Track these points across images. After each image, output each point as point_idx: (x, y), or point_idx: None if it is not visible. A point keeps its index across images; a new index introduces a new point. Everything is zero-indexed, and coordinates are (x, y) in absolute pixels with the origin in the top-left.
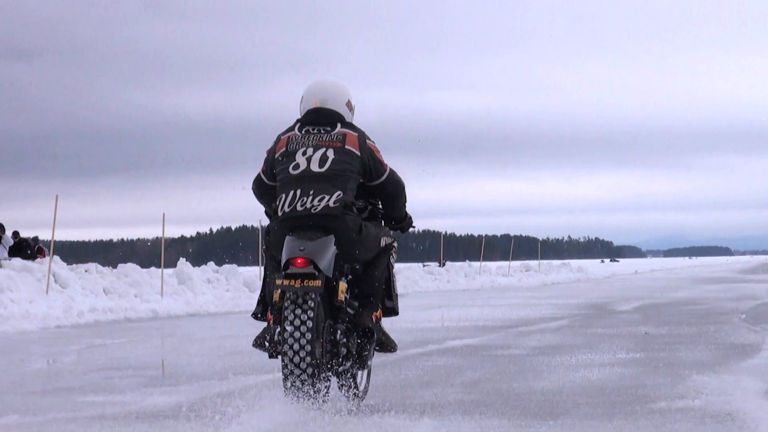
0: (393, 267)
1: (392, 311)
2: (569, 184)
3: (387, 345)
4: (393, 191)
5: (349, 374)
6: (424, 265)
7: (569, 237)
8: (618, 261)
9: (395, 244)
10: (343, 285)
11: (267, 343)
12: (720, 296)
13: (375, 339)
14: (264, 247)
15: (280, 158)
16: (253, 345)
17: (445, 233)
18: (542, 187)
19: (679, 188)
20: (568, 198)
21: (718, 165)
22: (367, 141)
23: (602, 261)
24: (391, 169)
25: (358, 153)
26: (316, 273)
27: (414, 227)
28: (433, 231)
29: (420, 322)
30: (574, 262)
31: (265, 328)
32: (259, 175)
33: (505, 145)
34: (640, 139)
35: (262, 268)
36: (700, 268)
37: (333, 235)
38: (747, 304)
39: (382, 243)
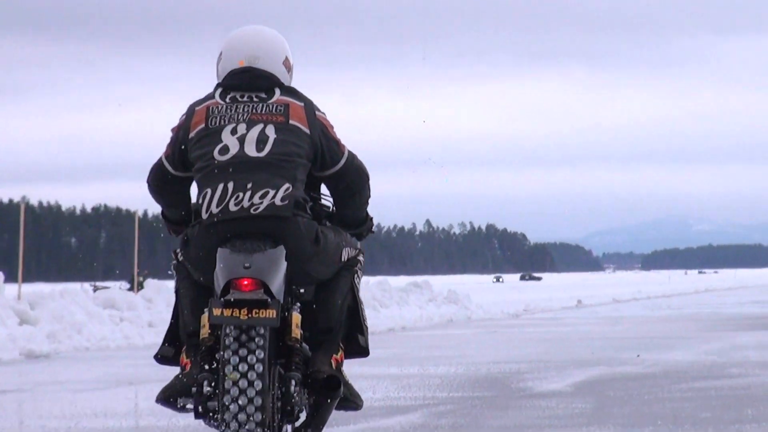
0: (359, 290)
1: (362, 351)
2: None
3: (350, 400)
4: (353, 183)
5: None
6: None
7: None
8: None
9: (361, 258)
10: (297, 316)
11: (182, 398)
12: None
13: (340, 393)
14: (175, 262)
15: (198, 139)
16: (158, 400)
17: None
18: None
19: None
20: None
21: None
22: (317, 113)
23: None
24: (350, 152)
25: (307, 130)
26: (269, 299)
27: (373, 232)
28: None
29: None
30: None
31: (177, 377)
32: (159, 162)
33: None
34: None
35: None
36: None
37: (281, 247)
38: None
39: (344, 256)
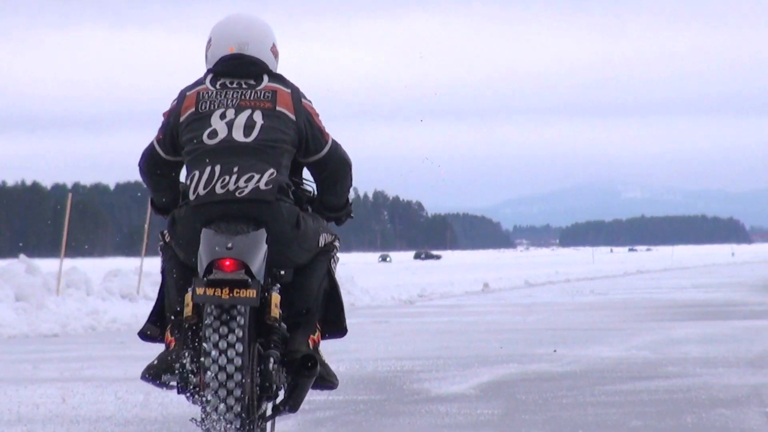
0: (334, 273)
1: (339, 331)
2: None
3: (327, 379)
4: (336, 170)
5: (273, 416)
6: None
7: None
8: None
9: (337, 244)
10: (276, 297)
11: (165, 375)
12: None
13: (316, 372)
14: (162, 243)
15: (188, 123)
16: (143, 377)
17: None
18: None
19: None
20: None
21: None
22: (303, 100)
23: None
24: (333, 141)
25: (293, 117)
26: (249, 280)
27: (352, 217)
28: None
29: None
30: None
31: (162, 354)
32: (151, 146)
33: None
34: None
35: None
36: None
37: (263, 230)
38: None
39: (322, 242)
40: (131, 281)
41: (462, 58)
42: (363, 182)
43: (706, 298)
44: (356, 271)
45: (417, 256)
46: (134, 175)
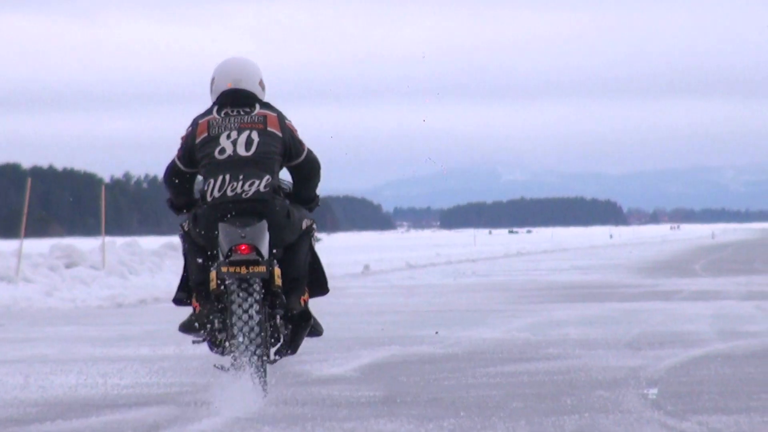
0: (315, 243)
1: (322, 291)
2: None
3: (315, 328)
4: (310, 171)
5: (278, 355)
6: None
7: None
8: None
9: (315, 226)
10: (278, 270)
11: (197, 331)
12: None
13: (309, 323)
14: (181, 232)
15: (202, 143)
16: (180, 329)
17: None
18: None
19: None
20: None
21: None
22: (286, 121)
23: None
24: (308, 149)
25: (280, 134)
26: (260, 259)
27: (319, 205)
28: None
29: None
30: None
31: (193, 314)
32: (173, 162)
33: None
34: None
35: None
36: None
37: (265, 221)
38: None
39: (304, 225)
40: (10, 263)
41: (338, 40)
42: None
43: (585, 280)
44: None
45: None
46: (12, 157)
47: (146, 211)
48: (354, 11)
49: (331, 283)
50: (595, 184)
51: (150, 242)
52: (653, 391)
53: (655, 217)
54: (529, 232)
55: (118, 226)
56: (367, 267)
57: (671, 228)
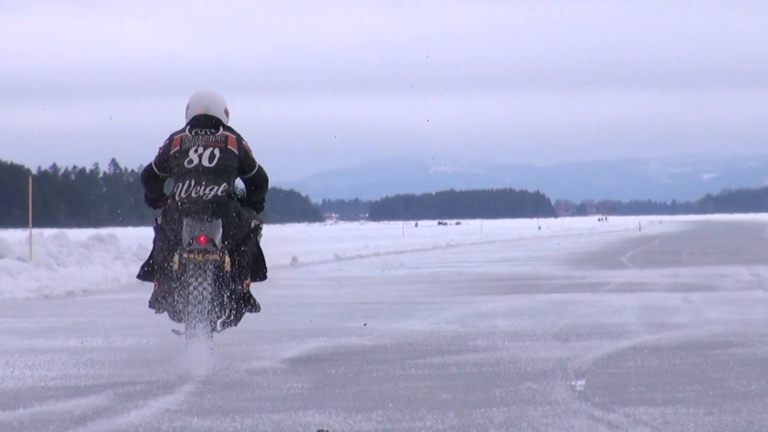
0: (260, 239)
1: (261, 278)
2: None
3: (254, 306)
4: (260, 182)
5: (223, 326)
6: None
7: None
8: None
9: (262, 226)
10: (228, 258)
11: (162, 303)
12: None
13: (250, 303)
14: (155, 224)
15: (175, 155)
16: (150, 306)
17: None
18: None
19: None
20: None
21: None
22: (243, 142)
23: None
24: (259, 165)
25: (237, 152)
26: (214, 249)
27: (264, 208)
28: None
29: None
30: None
31: (156, 291)
32: (150, 165)
33: None
34: None
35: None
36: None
37: (220, 219)
38: None
39: (252, 224)
40: None
41: (262, 31)
42: None
43: (513, 272)
44: None
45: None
46: None
47: (74, 203)
48: (278, 2)
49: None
50: (523, 175)
51: (78, 234)
52: (581, 383)
53: (582, 209)
54: (458, 223)
55: (45, 218)
56: (295, 259)
57: (599, 220)
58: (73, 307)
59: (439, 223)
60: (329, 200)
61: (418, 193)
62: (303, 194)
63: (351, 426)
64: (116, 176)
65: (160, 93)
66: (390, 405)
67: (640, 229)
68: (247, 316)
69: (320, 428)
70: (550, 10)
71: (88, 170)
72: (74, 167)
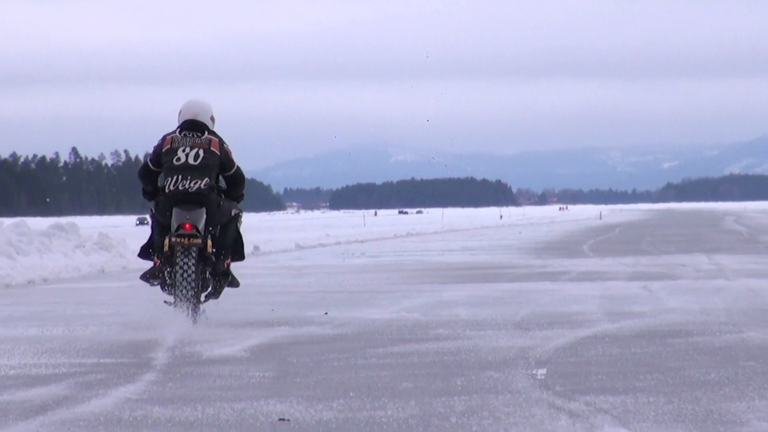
0: (240, 226)
1: (240, 259)
2: None
3: (234, 282)
4: (237, 179)
5: (206, 299)
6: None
7: None
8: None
9: (241, 214)
10: (209, 242)
11: (155, 278)
12: None
13: (228, 279)
14: (151, 212)
15: (166, 153)
16: (141, 278)
17: None
18: None
19: None
20: None
21: None
22: (224, 145)
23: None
24: (237, 166)
25: (219, 153)
26: (198, 234)
27: (243, 200)
28: None
29: None
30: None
31: (152, 267)
32: (146, 162)
33: None
34: None
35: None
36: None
37: (204, 209)
38: None
39: (233, 212)
40: None
41: (213, 18)
42: (135, 144)
43: (475, 261)
44: (128, 234)
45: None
46: None
47: (34, 191)
48: None
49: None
50: (485, 164)
51: (38, 223)
52: (542, 372)
53: (544, 198)
54: (419, 212)
55: (5, 207)
56: (256, 248)
57: (560, 209)
58: (34, 296)
59: (400, 212)
60: (290, 189)
61: (378, 182)
62: (264, 183)
63: (312, 415)
64: (77, 165)
65: (116, 81)
66: (351, 394)
67: (600, 218)
68: (211, 303)
69: (282, 417)
70: None
71: (48, 159)
72: (34, 156)
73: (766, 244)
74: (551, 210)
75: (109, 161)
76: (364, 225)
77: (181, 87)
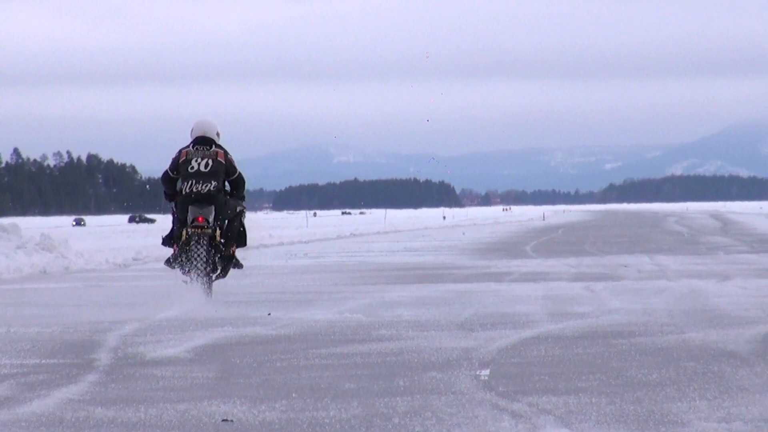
0: (244, 219)
1: (243, 245)
2: None
3: (238, 264)
4: (239, 183)
5: (216, 278)
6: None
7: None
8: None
9: (245, 210)
10: (218, 232)
11: (175, 262)
12: None
13: (233, 262)
14: (172, 210)
15: (182, 162)
16: (165, 263)
17: None
18: None
19: None
20: None
21: None
22: (228, 155)
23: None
24: (239, 172)
25: (224, 162)
26: (209, 226)
27: (245, 198)
28: None
29: None
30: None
31: (173, 254)
32: (166, 171)
33: None
34: None
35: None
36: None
37: (213, 206)
38: None
39: (238, 209)
40: None
41: (149, 22)
42: (77, 145)
43: (418, 262)
44: (71, 235)
45: (131, 220)
46: None
47: None
48: None
49: (161, 265)
50: (428, 165)
51: None
52: (485, 372)
53: (487, 199)
54: (362, 213)
55: None
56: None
57: (504, 210)
58: None
59: (343, 213)
60: None
61: (321, 182)
62: None
63: (255, 416)
64: (18, 165)
65: (59, 81)
66: (294, 395)
67: (544, 219)
68: (161, 305)
69: (225, 418)
70: None
71: None
72: None
73: (707, 245)
74: (495, 211)
75: (51, 162)
76: (307, 225)
77: (123, 88)
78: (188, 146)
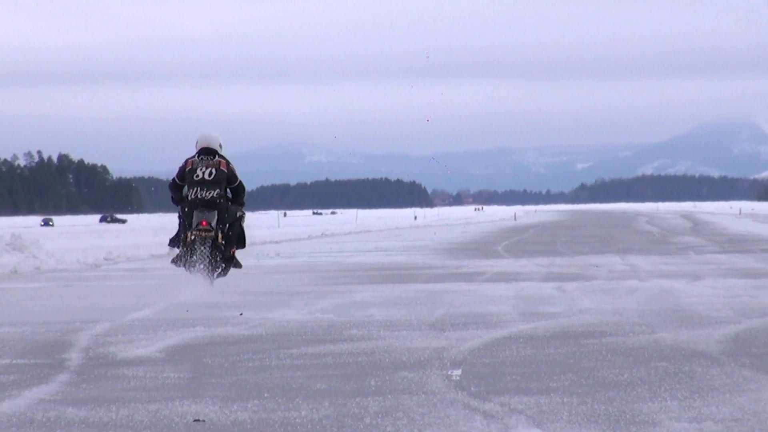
0: (244, 223)
1: (242, 246)
2: None
3: (238, 264)
4: (240, 190)
5: (218, 276)
6: None
7: None
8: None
9: (245, 215)
10: (221, 235)
11: (180, 261)
12: None
13: (233, 262)
14: (179, 213)
15: (188, 171)
16: (171, 262)
17: None
18: None
19: None
20: None
21: None
22: (230, 165)
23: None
24: (240, 180)
25: (226, 171)
26: (212, 229)
27: (244, 204)
28: None
29: None
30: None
31: (178, 254)
32: (173, 179)
33: None
34: None
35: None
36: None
37: (216, 211)
38: None
39: (238, 214)
40: None
41: (125, 23)
42: (48, 145)
43: (389, 262)
44: (42, 235)
45: (103, 220)
46: None
47: None
48: None
49: (133, 265)
50: (399, 165)
51: None
52: (457, 373)
53: (459, 199)
54: (333, 213)
55: None
56: (171, 248)
57: (475, 210)
58: None
59: (314, 213)
60: None
61: (293, 182)
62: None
63: (227, 416)
64: None
65: (29, 82)
66: (265, 395)
67: (515, 219)
68: (133, 304)
69: (196, 418)
70: None
71: None
72: None
73: (677, 245)
74: (467, 211)
75: (22, 162)
76: (279, 225)
77: (93, 88)
78: (194, 156)
